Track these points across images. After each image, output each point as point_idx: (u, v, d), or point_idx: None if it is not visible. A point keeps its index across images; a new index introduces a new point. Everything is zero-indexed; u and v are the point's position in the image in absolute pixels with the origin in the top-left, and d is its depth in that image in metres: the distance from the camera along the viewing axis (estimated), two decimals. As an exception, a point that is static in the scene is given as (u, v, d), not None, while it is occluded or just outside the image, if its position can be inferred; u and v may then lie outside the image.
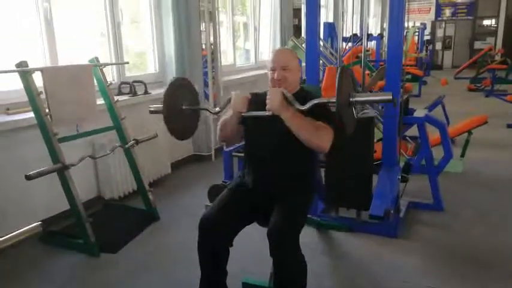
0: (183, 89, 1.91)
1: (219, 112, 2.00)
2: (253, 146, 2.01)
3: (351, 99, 1.68)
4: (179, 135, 1.91)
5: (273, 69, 1.92)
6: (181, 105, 1.88)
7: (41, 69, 2.48)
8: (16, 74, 2.40)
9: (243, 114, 1.85)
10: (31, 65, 2.43)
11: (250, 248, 2.40)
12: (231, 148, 3.31)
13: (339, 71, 1.64)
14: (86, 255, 2.57)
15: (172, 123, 1.82)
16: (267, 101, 1.74)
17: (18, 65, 2.37)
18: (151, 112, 1.95)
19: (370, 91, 4.33)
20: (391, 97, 1.64)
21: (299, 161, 1.95)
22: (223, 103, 1.96)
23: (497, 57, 11.37)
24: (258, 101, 1.85)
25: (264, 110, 1.77)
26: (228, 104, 1.90)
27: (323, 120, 1.82)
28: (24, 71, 2.38)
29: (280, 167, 1.92)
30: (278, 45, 6.21)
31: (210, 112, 2.03)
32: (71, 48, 3.40)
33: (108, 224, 2.94)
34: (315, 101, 1.71)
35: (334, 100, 1.59)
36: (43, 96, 2.46)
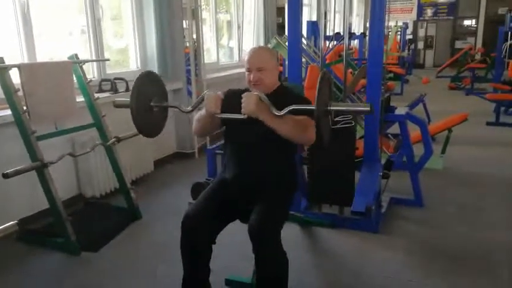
0: (152, 84, 1.85)
1: (190, 111, 1.95)
2: (233, 144, 2.00)
3: (329, 107, 1.66)
4: (147, 132, 1.86)
5: (249, 70, 1.90)
6: (149, 102, 1.82)
7: (18, 66, 2.43)
8: (-8, 70, 2.34)
9: (216, 115, 1.79)
10: (8, 62, 2.38)
11: (234, 245, 2.39)
12: (214, 146, 3.30)
13: (319, 77, 1.62)
14: (66, 254, 2.53)
15: (140, 120, 1.76)
16: (242, 105, 1.71)
17: (-5, 61, 2.32)
18: (117, 106, 1.90)
19: (353, 92, 4.38)
20: (369, 108, 1.62)
21: (279, 158, 1.95)
22: (195, 102, 1.91)
23: (477, 57, 11.61)
24: (234, 99, 1.80)
25: (239, 108, 1.74)
26: (200, 103, 1.86)
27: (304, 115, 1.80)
28: (0, 68, 2.33)
29: (259, 164, 1.92)
30: (262, 43, 6.21)
31: (181, 111, 1.93)
32: (50, 45, 3.34)
33: (89, 223, 2.90)
34: (292, 107, 1.68)
35: (311, 107, 1.60)
36: (21, 93, 2.41)
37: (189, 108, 1.91)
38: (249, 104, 1.70)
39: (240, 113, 1.73)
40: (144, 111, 1.79)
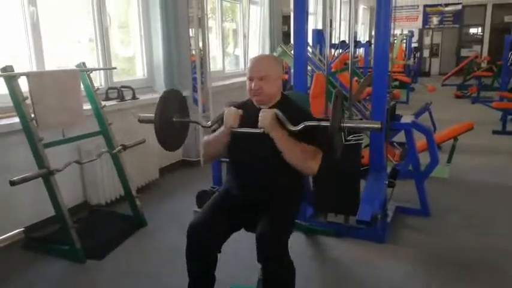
0: (175, 100, 1.90)
1: (210, 127, 1.98)
2: (238, 153, 1.96)
3: (342, 124, 1.71)
4: (169, 147, 1.90)
5: (251, 79, 1.87)
6: (172, 118, 1.87)
7: (27, 74, 2.45)
8: (1, 78, 2.37)
9: (234, 130, 1.82)
10: (17, 70, 2.41)
11: (238, 253, 2.39)
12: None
13: (334, 94, 1.68)
14: (71, 262, 2.54)
15: (163, 135, 1.82)
16: (260, 119, 1.74)
17: (4, 69, 2.34)
18: (141, 121, 1.94)
19: (359, 101, 4.38)
20: (379, 125, 1.68)
21: (286, 168, 1.95)
22: (214, 118, 1.94)
23: (483, 65, 11.57)
24: (244, 111, 1.84)
25: (249, 122, 1.78)
26: (219, 119, 1.88)
27: (313, 139, 1.81)
28: (9, 76, 2.35)
29: (266, 174, 1.90)
30: (267, 52, 6.24)
31: (201, 126, 2.01)
32: (58, 53, 3.37)
33: (94, 230, 2.90)
34: (307, 123, 1.73)
35: (325, 124, 1.66)
36: (29, 101, 2.44)
37: (209, 123, 1.97)
38: (266, 118, 1.73)
39: (247, 125, 1.78)
40: (167, 126, 1.84)
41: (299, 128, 1.73)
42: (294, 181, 1.99)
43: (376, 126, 1.70)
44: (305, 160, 1.80)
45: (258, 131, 1.75)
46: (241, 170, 1.97)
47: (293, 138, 1.77)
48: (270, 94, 1.89)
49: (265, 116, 1.74)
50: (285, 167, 1.81)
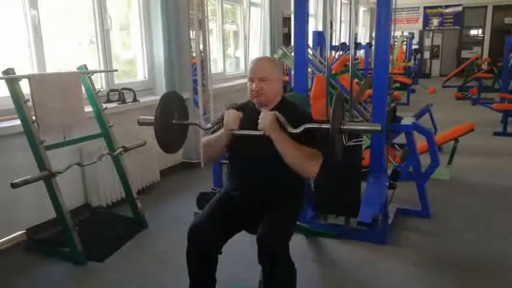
0: (174, 102, 1.91)
1: (210, 128, 1.98)
2: (239, 155, 1.97)
3: (342, 127, 1.71)
4: (169, 148, 1.91)
5: (252, 80, 1.88)
6: (171, 119, 1.88)
7: (28, 77, 2.46)
8: (3, 81, 2.38)
9: (234, 132, 1.82)
10: (18, 72, 2.41)
11: (238, 255, 2.39)
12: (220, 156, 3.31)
13: (334, 97, 1.68)
14: (72, 264, 2.54)
15: (163, 137, 1.83)
16: (260, 121, 1.74)
17: (5, 72, 2.35)
18: (141, 124, 1.94)
19: (359, 102, 4.38)
20: (380, 128, 1.69)
21: (287, 170, 1.95)
22: (214, 119, 1.95)
23: (484, 66, 11.57)
24: (243, 113, 1.84)
25: (249, 124, 1.78)
26: (219, 121, 1.89)
27: (314, 142, 1.81)
28: (11, 78, 2.36)
29: (267, 176, 1.90)
30: (268, 54, 6.25)
31: (201, 128, 2.00)
32: (60, 55, 3.38)
33: (95, 232, 2.90)
34: (307, 126, 1.73)
35: (326, 126, 1.65)
36: (30, 103, 2.44)
37: (209, 125, 1.97)
38: (267, 120, 1.73)
39: (247, 127, 1.78)
40: (166, 128, 1.84)
41: (299, 130, 1.72)
42: (295, 183, 1.98)
43: (377, 128, 1.72)
44: (305, 163, 1.79)
45: (258, 133, 1.75)
46: (242, 172, 1.97)
47: (293, 141, 1.77)
48: (271, 95, 1.89)
49: (266, 118, 1.74)
50: (286, 169, 1.81)
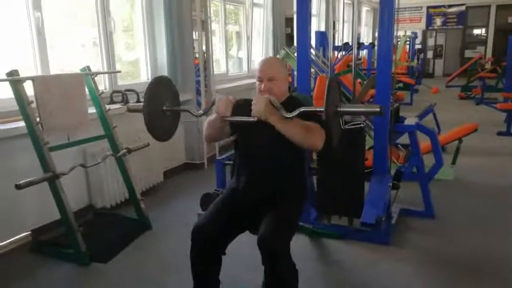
0: (165, 89, 1.89)
1: (202, 115, 1.98)
2: (243, 154, 2.01)
3: (339, 109, 1.69)
4: (159, 136, 1.89)
5: (260, 80, 1.93)
6: (162, 106, 1.85)
7: (32, 78, 2.47)
8: (7, 83, 2.39)
9: (226, 118, 1.83)
10: (22, 74, 2.43)
11: (242, 256, 2.39)
12: (223, 156, 3.32)
13: (327, 80, 1.66)
14: (76, 265, 2.55)
15: (152, 124, 1.80)
16: (252, 107, 1.74)
17: (9, 74, 2.36)
18: (130, 110, 1.93)
19: (362, 102, 4.37)
20: (379, 109, 1.63)
21: (289, 169, 1.96)
22: (206, 106, 1.94)
23: (487, 66, 11.53)
24: (246, 106, 1.83)
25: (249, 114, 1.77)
26: (212, 107, 1.89)
27: (312, 121, 1.82)
28: (15, 80, 2.37)
29: (270, 174, 1.93)
30: (271, 54, 6.25)
31: (193, 114, 1.97)
32: (63, 57, 3.39)
33: (99, 234, 2.92)
34: (302, 109, 1.71)
35: (321, 109, 1.60)
36: (34, 105, 2.45)
37: (201, 112, 1.96)
38: (259, 104, 1.72)
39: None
40: (157, 115, 1.83)
41: (295, 113, 1.70)
42: (297, 178, 2.00)
43: (375, 110, 1.66)
44: (309, 135, 1.78)
45: (252, 119, 1.73)
46: (245, 168, 1.99)
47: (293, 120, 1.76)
48: (278, 94, 1.91)
49: (259, 103, 1.72)
50: (287, 164, 1.83)
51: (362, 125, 2.63)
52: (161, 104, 1.85)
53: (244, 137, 1.99)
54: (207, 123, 1.98)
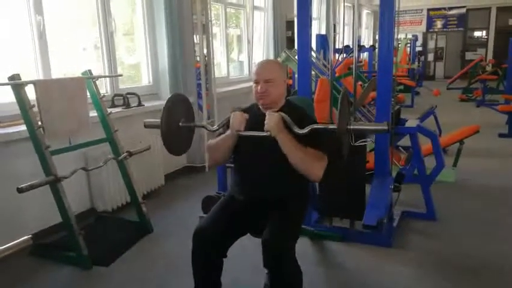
0: (180, 105, 1.92)
1: (216, 130, 1.99)
2: (244, 157, 1.99)
3: (349, 127, 1.71)
4: (175, 151, 1.92)
5: (257, 82, 1.89)
6: (178, 122, 1.89)
7: (34, 82, 2.48)
8: (8, 86, 2.39)
9: (240, 134, 1.83)
10: (24, 78, 2.43)
11: (243, 258, 2.39)
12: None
13: (340, 97, 1.68)
14: (78, 269, 2.55)
15: (170, 140, 1.84)
16: (266, 122, 1.75)
17: (11, 77, 2.37)
18: (147, 126, 1.95)
19: (363, 105, 4.37)
20: (386, 127, 1.68)
21: (292, 172, 1.95)
22: (221, 122, 1.95)
23: (488, 68, 11.53)
24: (252, 118, 1.85)
25: (254, 126, 1.79)
26: (225, 123, 1.90)
27: (319, 144, 1.82)
28: (16, 84, 2.38)
29: (272, 178, 1.92)
30: (271, 57, 6.26)
31: (208, 130, 2.01)
32: (65, 61, 3.41)
33: (100, 237, 2.92)
34: (314, 126, 1.73)
35: (332, 127, 1.65)
36: (36, 109, 2.46)
37: (215, 127, 1.98)
38: (272, 121, 1.73)
39: (252, 130, 1.80)
40: (173, 131, 1.86)
41: (306, 130, 1.72)
42: (300, 185, 1.99)
43: (383, 128, 1.70)
44: (310, 165, 1.79)
45: (264, 134, 1.75)
46: (247, 174, 1.98)
47: (299, 143, 1.77)
48: (275, 97, 1.91)
49: (272, 119, 1.74)
50: (291, 171, 1.82)
51: (369, 142, 2.67)
52: (177, 120, 1.89)
53: (245, 141, 1.99)
54: (209, 148, 1.98)
